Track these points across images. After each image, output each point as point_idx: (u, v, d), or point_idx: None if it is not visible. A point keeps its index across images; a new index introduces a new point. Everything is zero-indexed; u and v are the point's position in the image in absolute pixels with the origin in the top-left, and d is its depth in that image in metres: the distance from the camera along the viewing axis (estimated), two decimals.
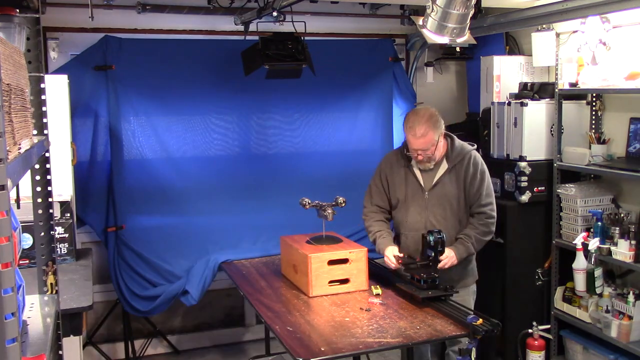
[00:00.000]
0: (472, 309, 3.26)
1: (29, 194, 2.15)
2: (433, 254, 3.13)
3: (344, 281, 3.28)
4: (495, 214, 3.30)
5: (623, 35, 3.70)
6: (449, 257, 3.18)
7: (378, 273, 3.55)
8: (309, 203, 3.47)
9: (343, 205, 3.43)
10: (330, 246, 3.35)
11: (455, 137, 3.37)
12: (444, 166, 3.29)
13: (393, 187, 3.39)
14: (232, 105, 4.54)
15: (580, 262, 3.61)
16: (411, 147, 3.22)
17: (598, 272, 3.56)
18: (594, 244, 3.54)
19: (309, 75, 4.29)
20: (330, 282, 3.25)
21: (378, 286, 3.26)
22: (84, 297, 2.74)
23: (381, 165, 3.48)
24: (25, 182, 2.01)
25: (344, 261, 3.27)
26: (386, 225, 3.46)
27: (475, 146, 3.40)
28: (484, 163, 3.34)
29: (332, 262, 3.25)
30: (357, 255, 3.29)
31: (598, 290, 3.60)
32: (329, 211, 3.39)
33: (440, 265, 3.13)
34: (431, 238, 3.11)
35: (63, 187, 3.47)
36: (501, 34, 4.65)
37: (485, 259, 4.23)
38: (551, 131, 4.07)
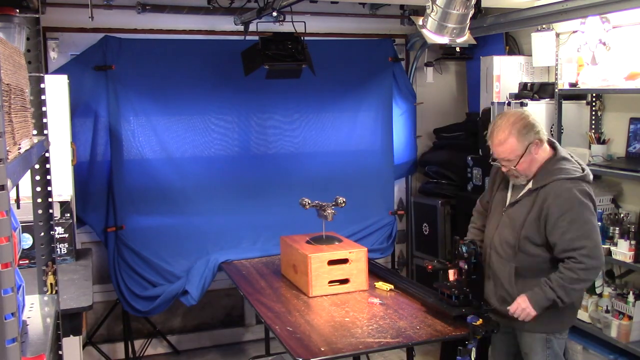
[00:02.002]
0: None
1: (29, 194, 2.15)
2: (466, 267, 2.81)
3: (344, 281, 3.28)
4: (590, 260, 2.56)
5: (623, 35, 3.70)
6: (519, 306, 2.65)
7: (377, 273, 3.55)
8: (309, 203, 3.47)
9: (343, 205, 3.43)
10: (330, 246, 3.35)
11: (561, 153, 2.72)
12: (529, 185, 2.72)
13: (491, 191, 2.95)
14: (232, 105, 4.54)
15: None
16: (493, 155, 2.75)
17: None
18: None
19: (308, 75, 4.29)
20: (330, 282, 3.25)
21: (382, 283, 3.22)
22: (84, 297, 2.74)
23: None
24: (25, 182, 2.01)
25: (344, 261, 3.27)
26: (477, 233, 3.03)
27: (584, 172, 2.67)
28: (584, 197, 2.60)
29: (332, 262, 3.25)
30: (357, 256, 3.29)
31: (598, 290, 3.60)
32: (329, 211, 3.39)
33: (514, 313, 2.68)
34: (464, 249, 2.78)
35: (63, 187, 3.47)
36: (501, 34, 4.65)
37: None
38: (551, 131, 4.07)
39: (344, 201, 3.43)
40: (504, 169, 2.73)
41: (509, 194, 2.81)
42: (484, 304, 2.83)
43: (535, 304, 2.62)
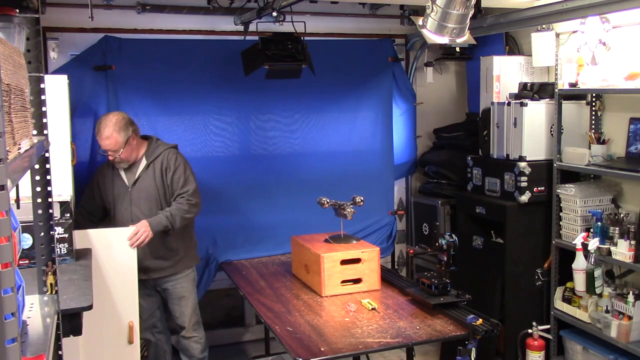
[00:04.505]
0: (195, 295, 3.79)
1: (29, 194, 2.15)
2: (445, 259, 3.04)
3: (357, 281, 3.27)
4: (196, 199, 3.62)
5: (623, 35, 3.70)
6: (140, 228, 3.33)
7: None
8: (327, 202, 3.47)
9: (361, 204, 3.42)
10: (342, 245, 3.35)
11: (155, 138, 3.73)
12: (143, 163, 3.62)
13: (104, 189, 3.69)
14: (231, 105, 4.54)
15: (580, 262, 3.61)
16: (101, 148, 3.57)
17: (598, 272, 3.56)
18: (593, 244, 3.54)
19: (308, 75, 4.29)
20: (343, 281, 3.25)
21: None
22: (84, 297, 2.73)
23: (94, 174, 3.81)
24: (25, 182, 2.01)
25: (357, 261, 3.27)
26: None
27: (176, 145, 3.79)
28: (180, 158, 3.67)
29: (344, 262, 3.24)
30: (370, 255, 3.28)
31: (598, 291, 3.60)
32: (349, 210, 3.39)
33: (133, 240, 3.26)
34: (443, 242, 3.02)
35: (63, 187, 3.46)
36: (501, 34, 4.65)
37: (485, 259, 4.24)
38: (551, 131, 4.07)
39: (361, 200, 3.43)
40: (110, 158, 3.54)
41: (125, 179, 3.63)
42: (461, 293, 3.04)
43: (154, 227, 3.39)
